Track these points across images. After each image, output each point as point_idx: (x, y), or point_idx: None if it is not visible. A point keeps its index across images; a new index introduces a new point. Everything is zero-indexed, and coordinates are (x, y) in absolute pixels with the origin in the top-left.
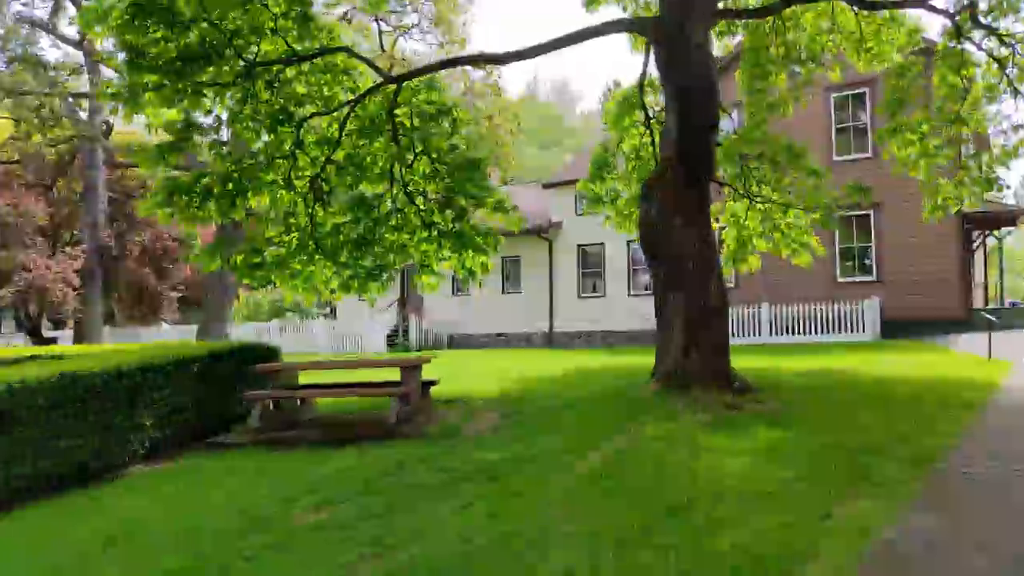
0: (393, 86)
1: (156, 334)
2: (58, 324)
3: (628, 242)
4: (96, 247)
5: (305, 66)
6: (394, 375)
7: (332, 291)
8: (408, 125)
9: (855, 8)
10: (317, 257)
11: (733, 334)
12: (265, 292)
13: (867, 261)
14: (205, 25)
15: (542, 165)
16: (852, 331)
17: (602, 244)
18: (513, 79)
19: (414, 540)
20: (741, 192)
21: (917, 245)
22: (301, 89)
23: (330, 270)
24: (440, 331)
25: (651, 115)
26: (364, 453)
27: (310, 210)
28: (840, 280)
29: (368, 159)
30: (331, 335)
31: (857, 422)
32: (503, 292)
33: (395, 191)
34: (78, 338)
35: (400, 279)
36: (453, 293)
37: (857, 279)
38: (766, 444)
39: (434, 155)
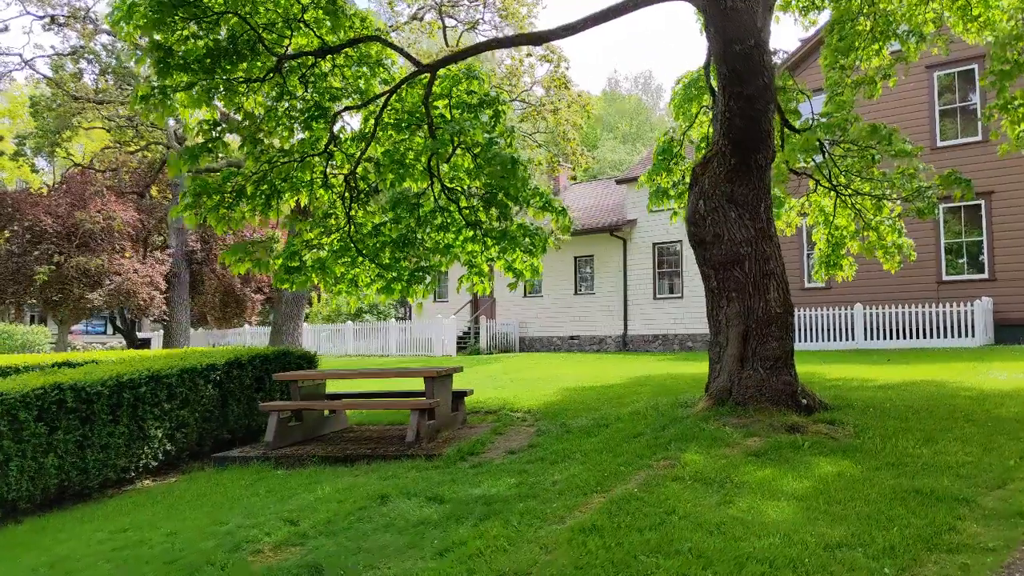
0: (428, 76)
1: (238, 336)
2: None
3: None
4: (182, 251)
5: (340, 59)
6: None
7: (378, 294)
8: (448, 117)
9: None
10: (360, 260)
11: (824, 338)
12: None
13: (978, 257)
14: (235, 20)
15: (622, 160)
16: (959, 335)
17: (679, 242)
18: (593, 75)
19: None
20: (827, 185)
21: None
22: (336, 83)
23: (373, 272)
24: (511, 333)
25: None
26: (362, 476)
27: (349, 210)
28: (946, 279)
29: (409, 155)
30: (403, 337)
31: (944, 455)
32: (575, 293)
33: (436, 189)
34: (167, 340)
35: None
36: (525, 295)
37: (966, 277)
38: (821, 483)
39: (475, 150)
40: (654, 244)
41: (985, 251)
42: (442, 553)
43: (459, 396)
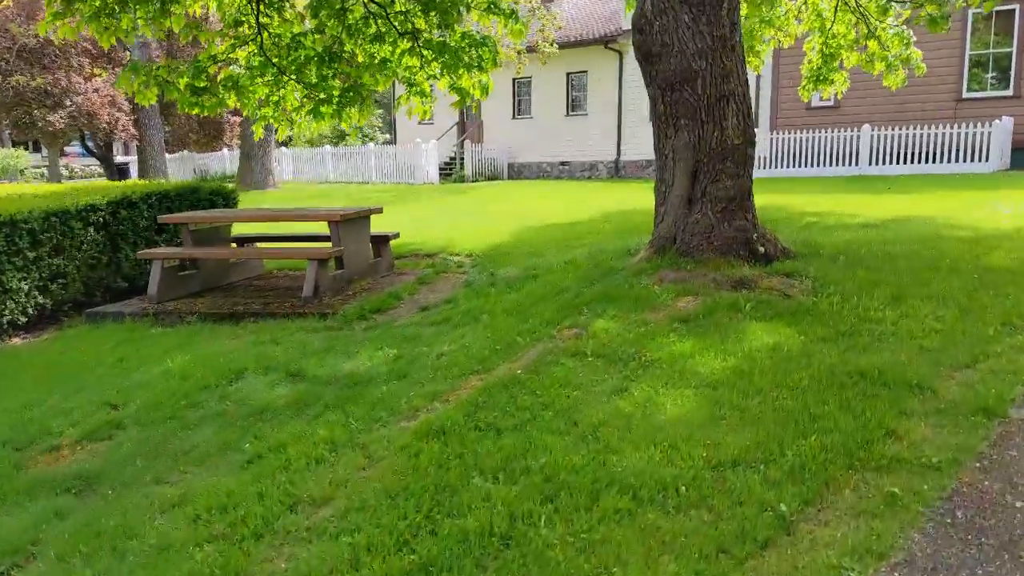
0: None
1: (218, 160)
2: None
3: None
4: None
5: None
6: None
7: (305, 119)
8: None
9: None
10: (284, 79)
11: (826, 163)
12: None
13: (1003, 71)
14: None
15: None
16: (974, 159)
17: None
18: None
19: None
20: None
21: None
22: None
23: (301, 93)
24: (499, 159)
25: None
26: (239, 338)
27: (258, 16)
28: (966, 96)
29: None
30: (383, 163)
31: (910, 319)
32: (567, 114)
33: None
34: (141, 165)
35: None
36: (513, 116)
37: (988, 94)
38: (748, 361)
39: None
40: None
41: (1013, 63)
42: (251, 461)
43: (382, 240)
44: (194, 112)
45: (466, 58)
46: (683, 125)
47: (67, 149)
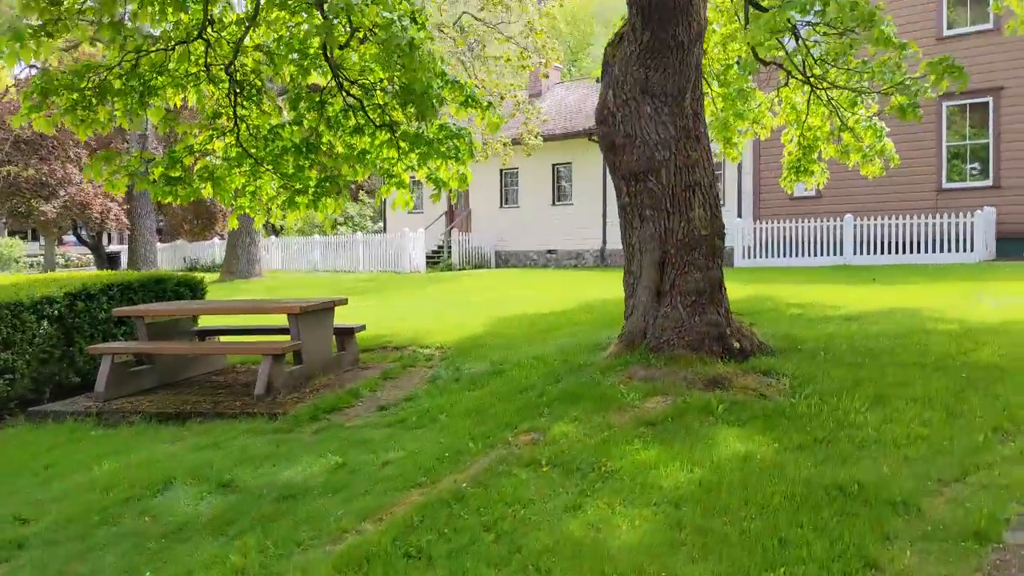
0: None
1: (208, 249)
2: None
3: None
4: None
5: None
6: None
7: (281, 209)
8: None
9: None
10: (263, 169)
11: (810, 253)
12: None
13: (982, 162)
14: None
15: None
16: (958, 249)
17: None
18: None
19: None
20: (799, 77)
21: None
22: None
23: (278, 182)
24: (486, 247)
25: None
26: (181, 441)
27: (235, 108)
28: (947, 186)
29: (313, 42)
30: (371, 252)
31: (894, 423)
32: (553, 203)
33: (341, 81)
34: (131, 254)
35: None
36: (501, 205)
37: (968, 185)
38: (716, 473)
39: (378, 33)
40: None
41: (991, 155)
42: None
43: (346, 333)
44: (167, 201)
45: (443, 149)
46: (648, 216)
47: (65, 238)
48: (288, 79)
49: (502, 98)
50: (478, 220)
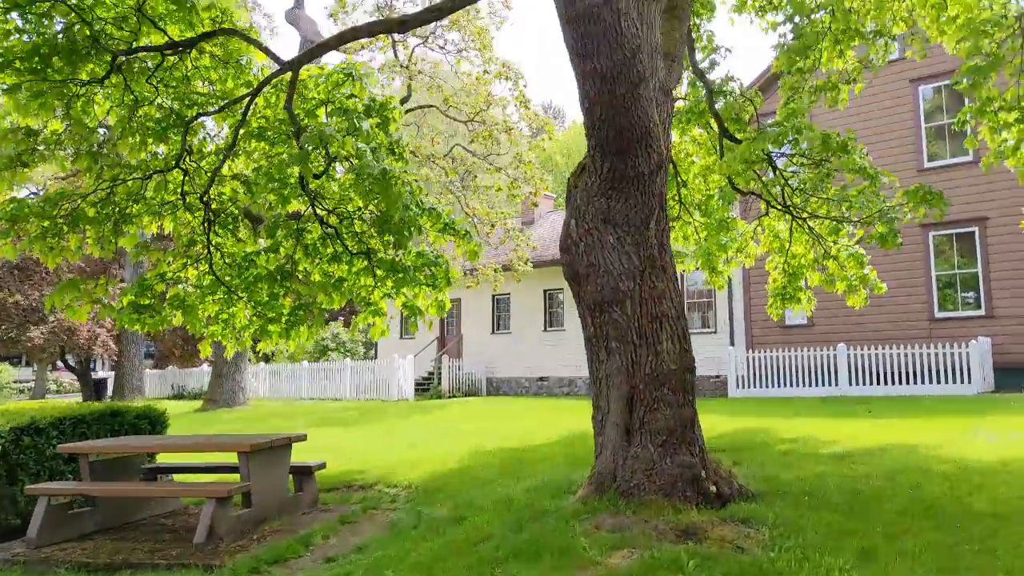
0: (302, 74)
1: (197, 376)
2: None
3: (681, 273)
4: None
5: (205, 59)
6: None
7: (253, 338)
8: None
9: None
10: (236, 297)
11: (804, 383)
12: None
13: (973, 291)
14: (71, 14)
15: None
16: (954, 380)
17: None
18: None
19: None
20: (779, 206)
21: None
22: (202, 88)
23: (251, 311)
24: (477, 374)
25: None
26: None
27: (208, 235)
28: (939, 315)
29: (293, 171)
30: (359, 379)
31: None
32: (544, 330)
33: (318, 210)
34: (118, 381)
35: None
36: (493, 331)
37: (961, 314)
38: None
39: (355, 162)
40: None
41: (981, 284)
42: None
43: (304, 472)
44: (134, 328)
45: (420, 276)
46: (614, 348)
47: (59, 363)
48: (266, 207)
49: (492, 226)
50: (469, 346)
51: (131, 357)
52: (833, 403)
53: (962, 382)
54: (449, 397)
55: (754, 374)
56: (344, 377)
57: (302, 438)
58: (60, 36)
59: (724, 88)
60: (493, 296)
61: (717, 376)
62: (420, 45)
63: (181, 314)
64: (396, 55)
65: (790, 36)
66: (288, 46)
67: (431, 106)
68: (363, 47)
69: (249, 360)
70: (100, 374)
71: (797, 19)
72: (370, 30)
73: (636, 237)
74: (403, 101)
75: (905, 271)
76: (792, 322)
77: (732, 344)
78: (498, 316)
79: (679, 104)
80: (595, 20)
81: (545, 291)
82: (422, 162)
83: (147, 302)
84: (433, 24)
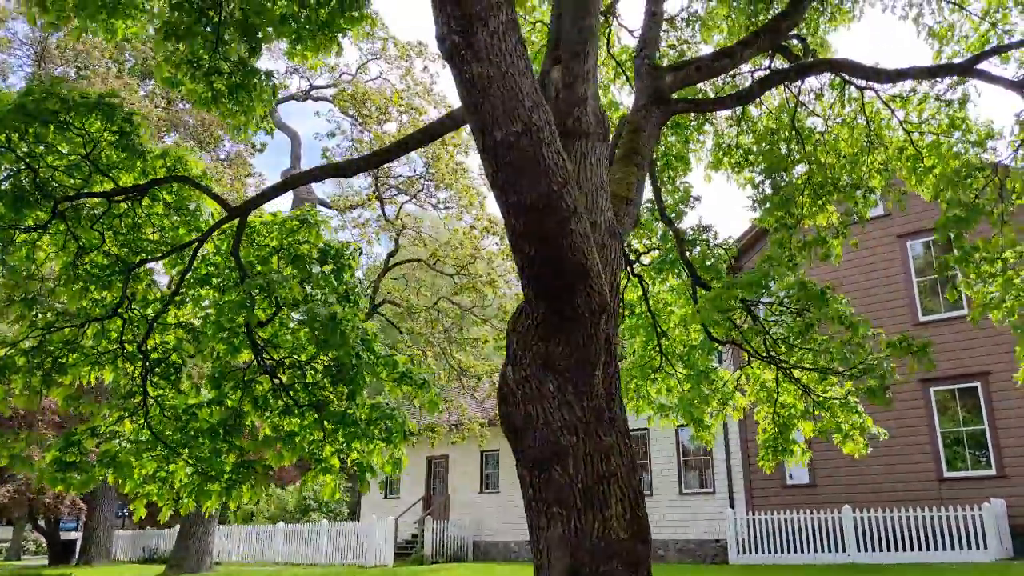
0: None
1: (168, 537)
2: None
3: (678, 428)
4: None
5: (158, 207)
6: None
7: (190, 497)
8: (287, 273)
9: (891, 109)
10: (174, 454)
11: (808, 548)
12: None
13: (982, 449)
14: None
15: None
16: (968, 546)
17: (646, 432)
18: None
19: None
20: (762, 355)
21: None
22: (153, 235)
23: (191, 468)
24: (464, 536)
25: None
26: None
27: (145, 386)
28: (948, 475)
29: (224, 319)
30: (337, 542)
31: None
32: None
33: (264, 360)
34: (86, 542)
35: (426, 471)
36: (481, 490)
37: (971, 474)
38: None
39: (301, 310)
40: None
41: (989, 442)
42: None
43: None
44: (58, 489)
45: (375, 431)
46: (555, 513)
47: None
48: (213, 357)
49: (479, 378)
50: (456, 505)
51: (100, 518)
52: (842, 571)
53: (978, 548)
54: (432, 563)
55: (756, 538)
56: (321, 539)
57: None
58: (5, 182)
59: (697, 237)
60: (481, 452)
61: (717, 541)
62: (408, 202)
63: (112, 472)
64: (384, 213)
65: (769, 191)
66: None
67: (418, 260)
68: (352, 206)
69: (228, 520)
70: (72, 535)
71: (774, 175)
72: (313, 176)
73: (580, 386)
74: (391, 255)
75: (909, 429)
76: (794, 482)
77: (732, 505)
78: (487, 474)
79: (654, 254)
80: (515, 149)
81: None
82: (404, 315)
83: (73, 459)
84: (422, 182)
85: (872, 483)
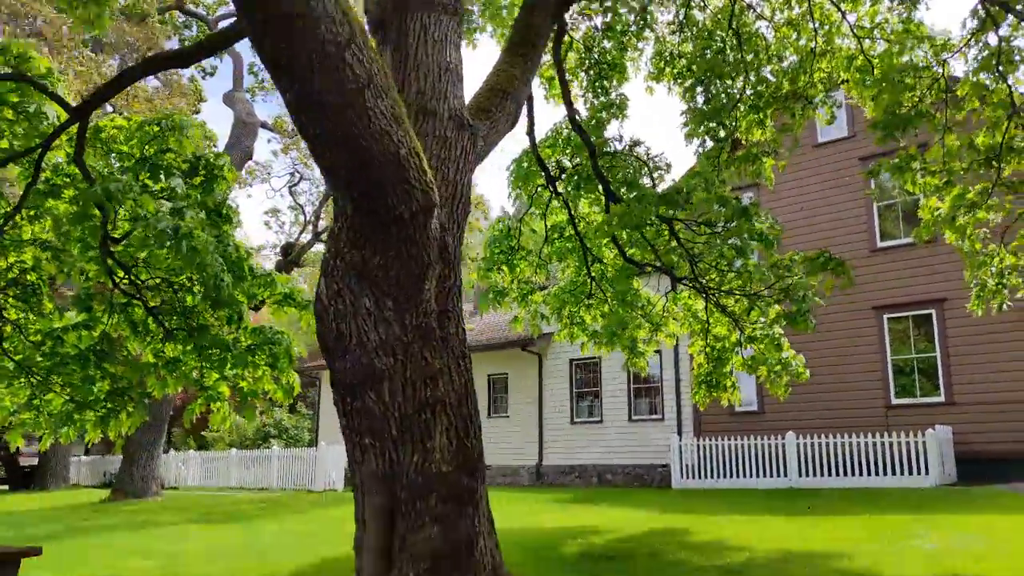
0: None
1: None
2: None
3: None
4: None
5: (7, 112)
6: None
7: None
8: (156, 187)
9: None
10: (55, 378)
11: (753, 473)
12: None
13: (932, 376)
14: None
15: None
16: (912, 471)
17: (598, 359)
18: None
19: None
20: (689, 281)
21: (1001, 351)
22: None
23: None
24: None
25: (555, 174)
26: None
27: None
28: (896, 402)
29: (90, 236)
30: (287, 469)
31: None
32: (488, 416)
33: (119, 279)
34: (42, 468)
35: None
36: None
37: (919, 400)
38: None
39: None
40: (571, 361)
41: (940, 369)
42: None
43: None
44: None
45: (259, 357)
46: (368, 445)
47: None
48: (83, 278)
49: None
50: None
51: (58, 446)
52: (779, 496)
53: (919, 474)
54: None
55: (700, 463)
56: (272, 465)
57: (35, 552)
58: None
59: (614, 149)
60: None
61: (664, 466)
62: None
63: None
64: None
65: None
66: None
67: None
68: None
69: (188, 446)
70: (34, 461)
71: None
72: (155, 63)
73: (401, 301)
74: None
75: (860, 357)
76: (742, 409)
77: (680, 432)
78: None
79: (567, 165)
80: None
81: (490, 376)
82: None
83: None
84: None
85: (820, 410)
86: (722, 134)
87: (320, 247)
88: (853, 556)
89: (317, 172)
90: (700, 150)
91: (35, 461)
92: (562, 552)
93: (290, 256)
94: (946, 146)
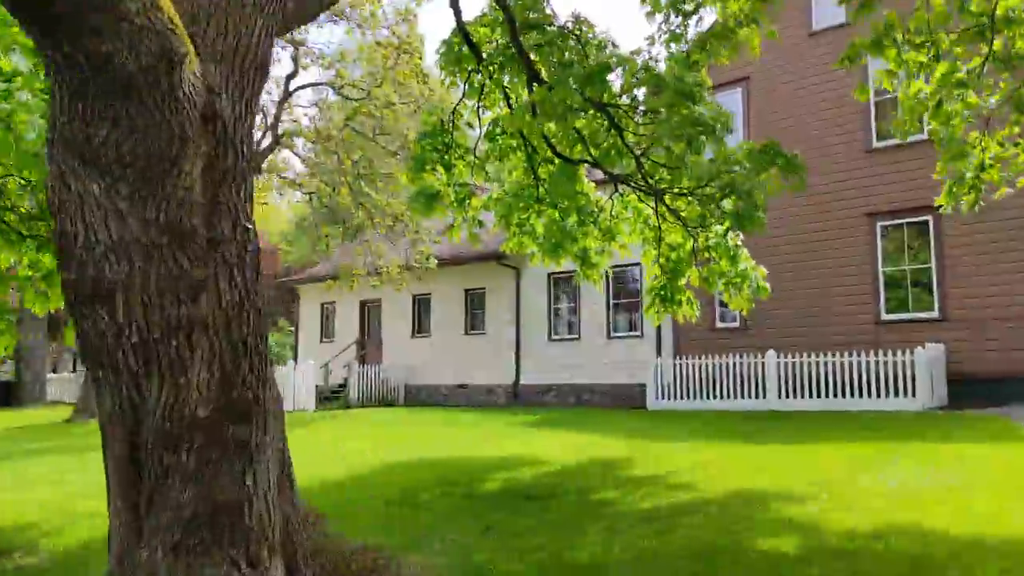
0: None
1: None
2: None
3: (610, 269)
4: None
5: None
6: None
7: None
8: None
9: None
10: None
11: (732, 394)
12: None
13: (925, 290)
14: None
15: None
16: (897, 393)
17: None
18: None
19: None
20: (638, 182)
21: (1001, 263)
22: None
23: None
24: (395, 380)
25: (486, 58)
26: None
27: None
28: (886, 318)
29: None
30: None
31: None
32: (466, 332)
33: None
34: (17, 387)
35: (359, 315)
36: (413, 334)
37: (911, 316)
38: None
39: None
40: (549, 275)
41: (935, 282)
42: None
43: None
44: None
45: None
46: (103, 379)
47: None
48: None
49: (396, 218)
50: (390, 350)
51: (32, 363)
52: (755, 419)
53: (907, 396)
54: (359, 407)
55: (677, 383)
56: None
57: None
58: None
59: (535, 20)
60: (414, 296)
61: (642, 386)
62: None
63: None
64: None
65: None
66: None
67: (321, 84)
68: None
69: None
70: (4, 376)
71: None
72: None
73: (142, 188)
74: (290, 78)
75: (851, 268)
76: (724, 325)
77: (659, 349)
78: (419, 317)
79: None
80: None
81: (467, 291)
82: (323, 150)
83: None
84: None
85: (807, 326)
86: (689, 6)
87: (286, 153)
88: (805, 498)
89: (276, 69)
90: (664, 29)
91: (9, 378)
92: (479, 490)
93: None
94: (933, 7)
